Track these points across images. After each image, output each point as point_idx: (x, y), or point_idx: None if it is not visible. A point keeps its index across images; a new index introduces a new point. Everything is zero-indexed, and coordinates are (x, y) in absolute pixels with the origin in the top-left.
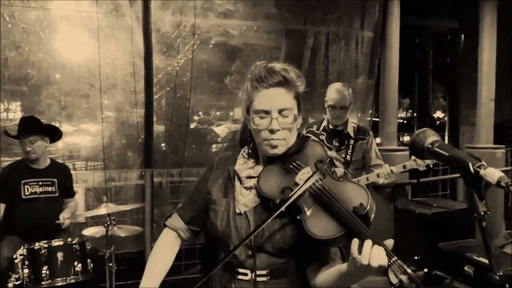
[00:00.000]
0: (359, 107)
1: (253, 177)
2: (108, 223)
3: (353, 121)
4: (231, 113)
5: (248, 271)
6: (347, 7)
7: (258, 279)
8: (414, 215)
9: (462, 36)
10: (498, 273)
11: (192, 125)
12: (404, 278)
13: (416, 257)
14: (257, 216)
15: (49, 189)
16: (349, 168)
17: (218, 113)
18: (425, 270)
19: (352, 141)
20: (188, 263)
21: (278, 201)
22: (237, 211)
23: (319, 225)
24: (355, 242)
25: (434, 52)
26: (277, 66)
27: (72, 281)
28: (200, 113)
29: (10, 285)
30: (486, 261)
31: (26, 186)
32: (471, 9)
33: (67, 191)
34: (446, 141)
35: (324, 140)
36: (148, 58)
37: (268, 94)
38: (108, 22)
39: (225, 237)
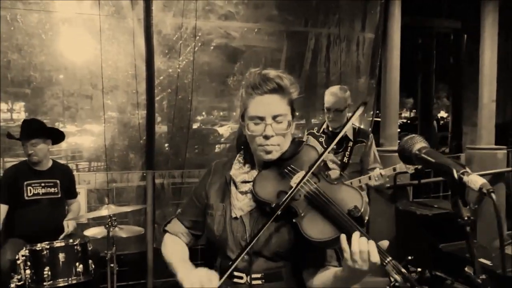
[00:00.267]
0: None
1: (248, 182)
2: (110, 224)
3: (353, 123)
4: (234, 114)
5: (243, 275)
6: (348, 9)
7: (253, 282)
8: (415, 216)
9: (465, 36)
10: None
11: (195, 126)
12: (398, 277)
13: (410, 257)
14: (252, 220)
15: (52, 190)
16: (346, 171)
17: (221, 114)
18: (419, 269)
19: (350, 144)
20: None
21: (274, 205)
22: (233, 215)
23: (315, 228)
24: (343, 238)
25: (437, 52)
26: (272, 73)
27: (74, 281)
28: (203, 113)
29: (12, 285)
30: (487, 262)
31: (28, 188)
32: (474, 10)
33: (70, 192)
34: (449, 141)
35: (323, 142)
36: (149, 60)
37: (263, 101)
38: (110, 24)
39: (222, 241)
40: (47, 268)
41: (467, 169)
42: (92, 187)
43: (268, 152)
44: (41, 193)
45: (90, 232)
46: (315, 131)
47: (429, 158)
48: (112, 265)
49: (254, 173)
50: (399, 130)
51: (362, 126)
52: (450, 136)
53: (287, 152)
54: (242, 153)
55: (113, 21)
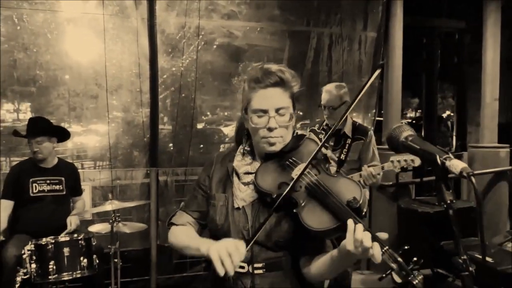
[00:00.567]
0: (363, 106)
1: (251, 173)
2: (114, 219)
3: (355, 120)
4: (238, 113)
5: (245, 264)
6: (349, 8)
7: (255, 271)
8: (417, 214)
9: (469, 36)
10: (462, 257)
11: (200, 125)
12: (395, 266)
13: (406, 247)
14: (254, 211)
15: (57, 187)
16: (343, 168)
17: (226, 113)
18: (415, 258)
19: (349, 141)
20: (193, 261)
21: (275, 195)
22: (235, 205)
23: (315, 218)
24: (350, 222)
25: (441, 52)
26: (273, 67)
27: (78, 275)
28: (208, 113)
29: (18, 279)
30: (489, 259)
31: (34, 184)
32: (477, 10)
33: (75, 190)
34: (454, 141)
35: (323, 138)
36: (153, 59)
37: (266, 94)
38: (114, 24)
39: (224, 231)
40: (52, 262)
41: (450, 155)
42: (96, 185)
43: (272, 144)
44: (46, 190)
45: (94, 228)
46: (316, 128)
47: (414, 145)
48: (116, 260)
49: (257, 164)
50: None
51: (365, 124)
52: (455, 136)
53: (288, 144)
54: (243, 146)
55: (117, 21)
